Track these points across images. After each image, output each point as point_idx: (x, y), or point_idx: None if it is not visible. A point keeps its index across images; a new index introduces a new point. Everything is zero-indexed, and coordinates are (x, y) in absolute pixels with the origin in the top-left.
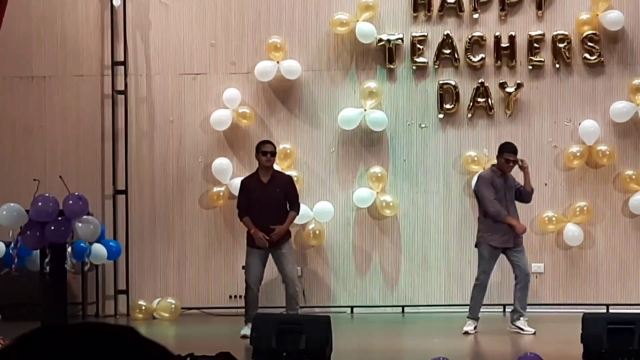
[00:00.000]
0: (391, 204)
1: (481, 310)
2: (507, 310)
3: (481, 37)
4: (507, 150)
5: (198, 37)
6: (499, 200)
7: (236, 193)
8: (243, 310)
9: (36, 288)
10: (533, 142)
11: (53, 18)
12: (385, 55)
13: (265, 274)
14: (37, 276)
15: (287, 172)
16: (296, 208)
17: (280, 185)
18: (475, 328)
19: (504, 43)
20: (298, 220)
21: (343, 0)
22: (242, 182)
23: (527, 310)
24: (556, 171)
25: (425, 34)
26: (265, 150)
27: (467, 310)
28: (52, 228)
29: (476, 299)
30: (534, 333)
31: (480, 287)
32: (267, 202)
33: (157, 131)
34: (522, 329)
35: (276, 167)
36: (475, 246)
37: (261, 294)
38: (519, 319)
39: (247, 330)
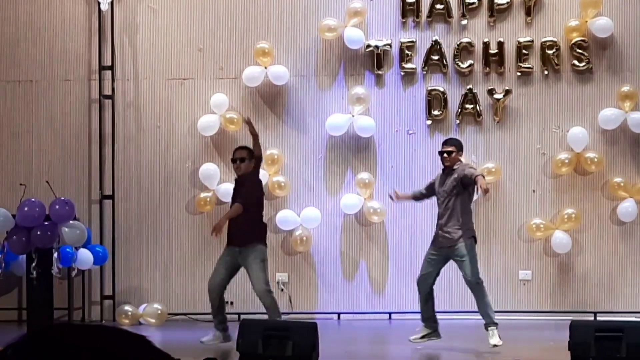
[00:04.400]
0: (378, 210)
1: (468, 317)
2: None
3: (470, 43)
4: None
5: (186, 42)
6: (437, 194)
7: (223, 199)
8: (229, 316)
9: (16, 292)
10: (521, 148)
11: (40, 22)
12: (374, 61)
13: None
14: (17, 280)
15: (275, 178)
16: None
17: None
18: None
19: (493, 49)
20: (285, 226)
21: (331, 5)
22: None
23: (515, 317)
24: (544, 178)
25: (414, 39)
26: (233, 158)
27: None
28: (39, 233)
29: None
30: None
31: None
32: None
33: (144, 136)
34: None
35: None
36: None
37: (248, 300)
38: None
39: (208, 337)
